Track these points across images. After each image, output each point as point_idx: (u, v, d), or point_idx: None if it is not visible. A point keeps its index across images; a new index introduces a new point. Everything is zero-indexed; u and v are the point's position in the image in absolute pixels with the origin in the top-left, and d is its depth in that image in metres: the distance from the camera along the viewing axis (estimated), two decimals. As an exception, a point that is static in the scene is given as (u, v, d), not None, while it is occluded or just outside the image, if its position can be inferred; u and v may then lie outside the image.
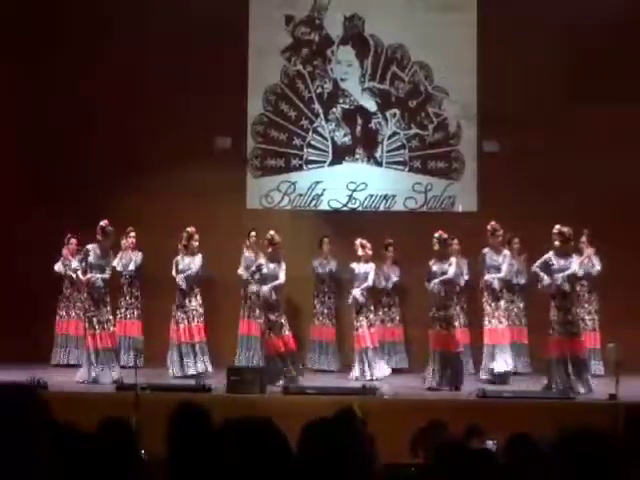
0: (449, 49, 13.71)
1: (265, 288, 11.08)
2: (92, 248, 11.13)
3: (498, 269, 11.40)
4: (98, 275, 11.02)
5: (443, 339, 10.87)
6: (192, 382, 10.40)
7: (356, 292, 11.81)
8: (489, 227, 11.57)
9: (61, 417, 3.29)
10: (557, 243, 10.64)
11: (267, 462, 2.37)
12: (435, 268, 10.99)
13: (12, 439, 2.44)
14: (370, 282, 11.92)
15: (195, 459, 3.16)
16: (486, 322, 11.38)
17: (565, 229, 10.64)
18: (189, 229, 11.83)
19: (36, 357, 12.23)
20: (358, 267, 11.99)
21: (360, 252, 11.99)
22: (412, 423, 5.90)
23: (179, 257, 11.84)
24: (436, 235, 11.03)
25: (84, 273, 11.11)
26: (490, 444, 5.83)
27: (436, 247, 11.01)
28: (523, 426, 5.07)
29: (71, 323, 12.85)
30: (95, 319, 10.97)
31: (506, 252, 11.49)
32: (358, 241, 12.05)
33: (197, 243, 11.82)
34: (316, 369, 12.64)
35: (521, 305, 12.75)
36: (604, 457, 2.69)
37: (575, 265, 10.67)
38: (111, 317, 11.19)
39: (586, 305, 12.61)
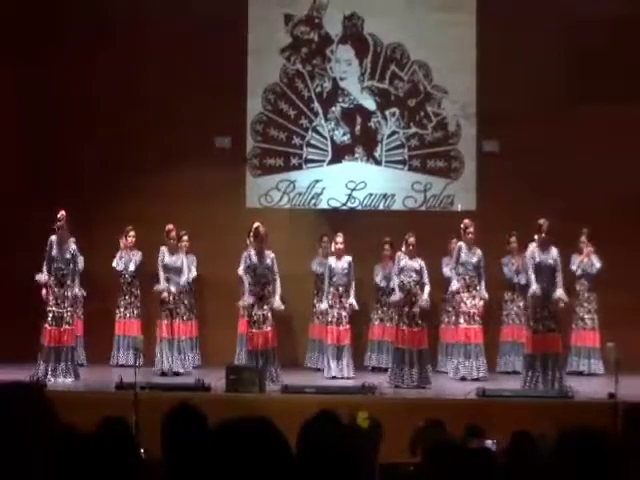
0: (448, 48, 13.70)
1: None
2: (53, 240, 11.07)
3: (474, 265, 11.69)
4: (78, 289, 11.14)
5: (407, 336, 10.95)
6: (191, 381, 10.40)
7: (352, 301, 11.83)
8: (462, 224, 11.74)
9: (60, 417, 3.28)
10: (535, 236, 10.70)
11: (266, 462, 2.36)
12: (402, 263, 11.12)
13: (12, 439, 2.44)
14: (353, 280, 11.94)
15: (191, 460, 3.15)
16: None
17: (543, 222, 10.70)
18: (167, 226, 11.80)
19: (36, 357, 12.21)
20: (335, 262, 11.97)
21: (332, 247, 12.00)
22: (411, 422, 5.90)
23: (166, 253, 11.80)
24: (405, 236, 11.23)
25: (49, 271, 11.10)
26: (489, 443, 5.83)
27: (402, 248, 11.23)
28: (523, 425, 5.07)
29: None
30: (51, 314, 10.96)
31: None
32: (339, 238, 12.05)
33: (173, 241, 11.80)
34: (315, 368, 12.64)
35: (521, 304, 12.74)
36: (604, 457, 2.69)
37: (551, 260, 10.66)
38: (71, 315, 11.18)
39: (585, 304, 12.62)
